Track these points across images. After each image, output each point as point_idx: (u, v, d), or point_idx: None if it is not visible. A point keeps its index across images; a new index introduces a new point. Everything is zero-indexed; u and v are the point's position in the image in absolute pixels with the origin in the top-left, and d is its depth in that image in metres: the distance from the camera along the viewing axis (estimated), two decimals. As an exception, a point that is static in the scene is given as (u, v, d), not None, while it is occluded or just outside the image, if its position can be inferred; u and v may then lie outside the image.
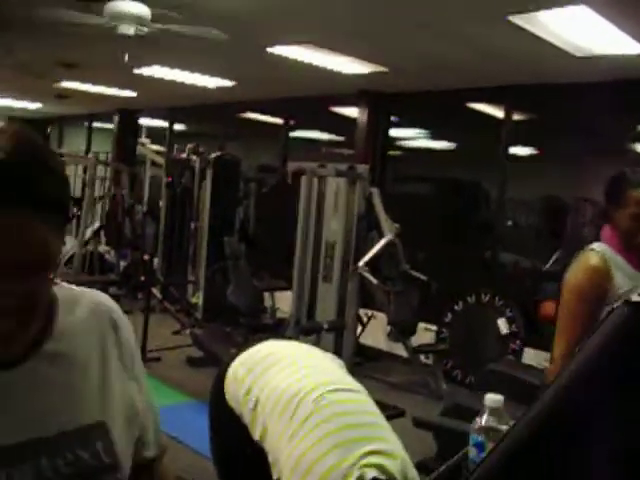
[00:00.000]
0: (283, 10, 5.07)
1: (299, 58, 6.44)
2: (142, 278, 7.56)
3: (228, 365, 1.99)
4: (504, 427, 1.19)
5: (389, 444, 1.56)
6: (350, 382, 1.82)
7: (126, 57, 5.70)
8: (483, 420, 1.22)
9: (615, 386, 0.85)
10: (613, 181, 2.66)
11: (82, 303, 1.14)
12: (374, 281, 6.17)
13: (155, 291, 7.91)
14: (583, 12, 4.36)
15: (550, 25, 4.74)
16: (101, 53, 6.78)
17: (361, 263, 6.19)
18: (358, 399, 1.72)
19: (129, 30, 4.75)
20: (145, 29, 4.86)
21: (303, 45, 6.01)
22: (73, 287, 1.16)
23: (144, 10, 4.73)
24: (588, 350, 0.85)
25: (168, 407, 4.73)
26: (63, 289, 1.13)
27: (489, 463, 0.92)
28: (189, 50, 6.31)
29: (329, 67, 6.70)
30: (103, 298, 1.20)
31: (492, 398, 1.23)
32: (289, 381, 1.75)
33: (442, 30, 5.21)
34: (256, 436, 1.76)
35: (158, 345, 6.55)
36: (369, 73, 6.82)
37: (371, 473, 1.45)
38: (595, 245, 2.62)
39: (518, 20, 4.67)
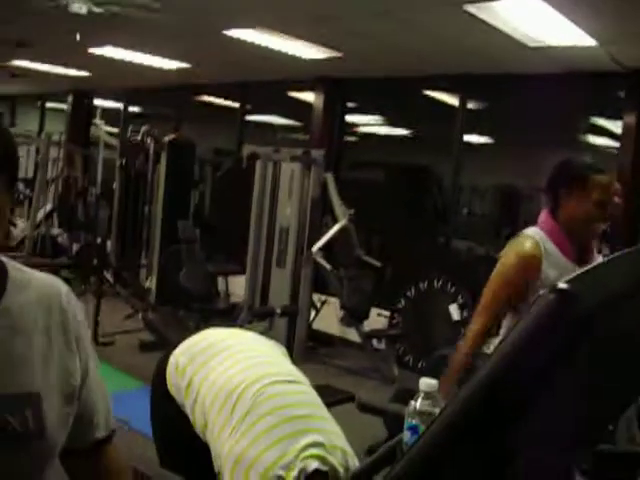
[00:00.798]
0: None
1: (256, 42, 6.37)
2: (95, 261, 7.47)
3: (170, 353, 1.98)
4: (437, 411, 1.20)
5: (329, 435, 1.58)
6: (291, 371, 1.83)
7: (78, 36, 5.60)
8: (418, 404, 1.24)
9: (541, 372, 0.86)
10: (564, 166, 2.59)
11: (32, 285, 1.19)
12: (327, 266, 6.20)
13: (107, 275, 7.82)
14: (536, 3, 4.40)
15: (505, 15, 4.78)
16: (54, 32, 6.62)
17: (315, 248, 6.20)
18: (297, 390, 1.74)
19: (81, 9, 4.67)
20: (99, 9, 4.78)
21: (259, 29, 5.95)
22: (27, 269, 1.21)
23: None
24: (516, 336, 0.87)
25: (120, 391, 4.68)
26: (16, 270, 1.18)
27: (420, 445, 0.93)
28: (145, 30, 6.20)
29: (286, 51, 6.65)
30: (54, 281, 1.25)
31: (427, 382, 1.25)
32: (229, 374, 1.75)
33: (399, 17, 5.20)
34: (197, 428, 1.77)
35: (110, 329, 6.47)
36: (326, 58, 6.78)
37: (313, 464, 1.48)
38: (530, 230, 2.57)
39: (474, 9, 4.70)
